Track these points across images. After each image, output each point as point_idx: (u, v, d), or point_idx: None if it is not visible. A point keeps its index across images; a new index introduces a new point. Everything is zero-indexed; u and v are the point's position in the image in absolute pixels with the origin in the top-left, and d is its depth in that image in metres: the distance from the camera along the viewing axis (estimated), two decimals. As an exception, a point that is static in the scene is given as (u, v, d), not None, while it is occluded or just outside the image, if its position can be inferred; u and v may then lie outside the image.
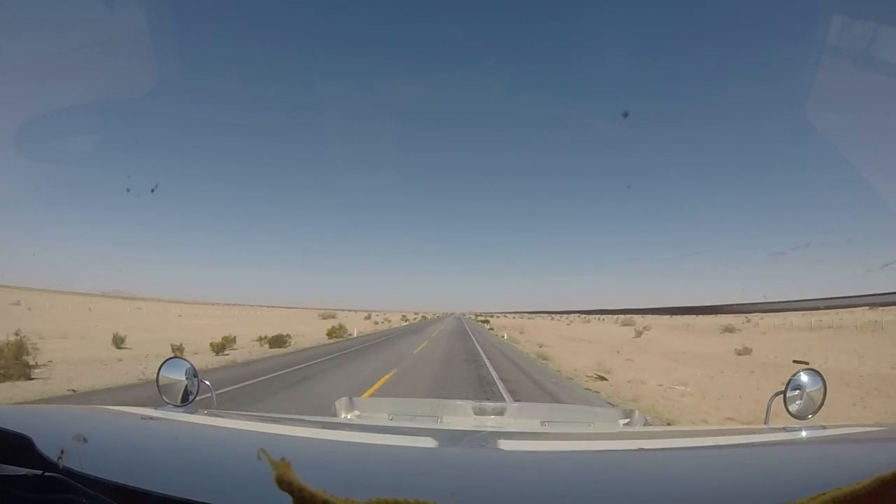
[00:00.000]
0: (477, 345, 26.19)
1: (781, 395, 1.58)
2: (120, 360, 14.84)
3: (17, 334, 11.82)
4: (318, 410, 3.27)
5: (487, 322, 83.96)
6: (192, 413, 1.51)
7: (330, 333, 29.36)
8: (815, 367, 2.33)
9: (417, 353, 20.37)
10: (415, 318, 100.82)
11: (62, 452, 0.79)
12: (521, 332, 44.20)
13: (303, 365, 14.86)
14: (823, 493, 0.44)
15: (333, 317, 61.34)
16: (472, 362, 16.76)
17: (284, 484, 0.40)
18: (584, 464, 1.12)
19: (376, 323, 62.79)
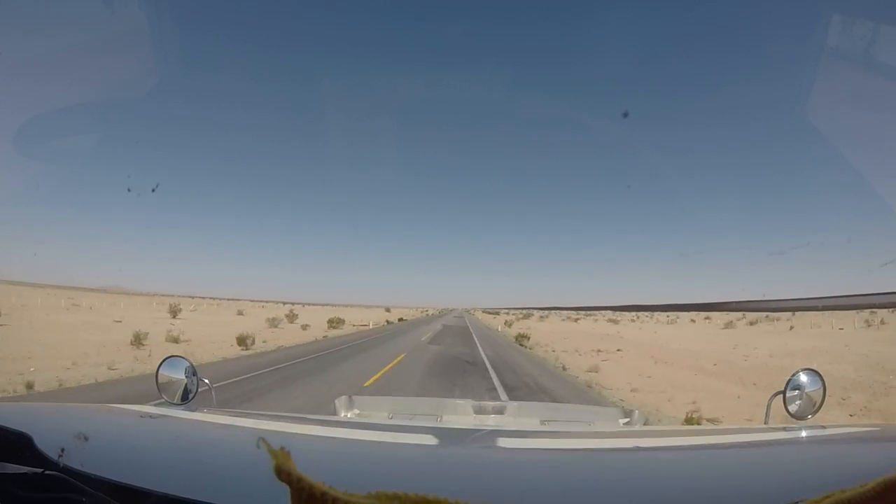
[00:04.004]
0: None
1: (781, 395, 1.59)
2: None
3: None
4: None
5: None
6: (192, 411, 1.51)
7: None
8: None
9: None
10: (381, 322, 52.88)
11: (62, 451, 0.79)
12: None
13: None
14: (829, 495, 0.43)
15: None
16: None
17: (283, 474, 0.39)
18: (584, 462, 1.12)
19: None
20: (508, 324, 50.97)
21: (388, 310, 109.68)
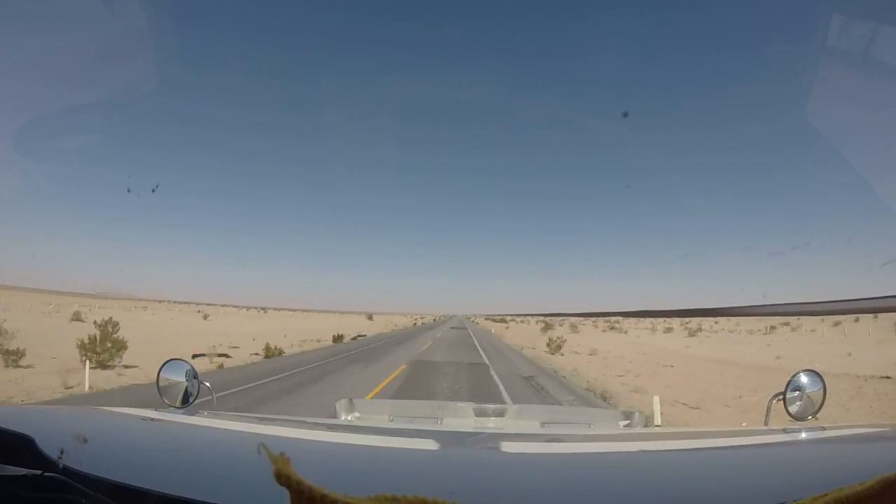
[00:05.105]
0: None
1: (781, 397, 1.58)
2: None
3: None
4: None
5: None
6: (192, 414, 1.51)
7: None
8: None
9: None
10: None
11: (62, 453, 0.79)
12: None
13: None
14: (826, 494, 0.44)
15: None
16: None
17: (283, 478, 0.39)
18: (585, 465, 1.12)
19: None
20: (554, 345, 25.02)
21: (370, 317, 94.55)
